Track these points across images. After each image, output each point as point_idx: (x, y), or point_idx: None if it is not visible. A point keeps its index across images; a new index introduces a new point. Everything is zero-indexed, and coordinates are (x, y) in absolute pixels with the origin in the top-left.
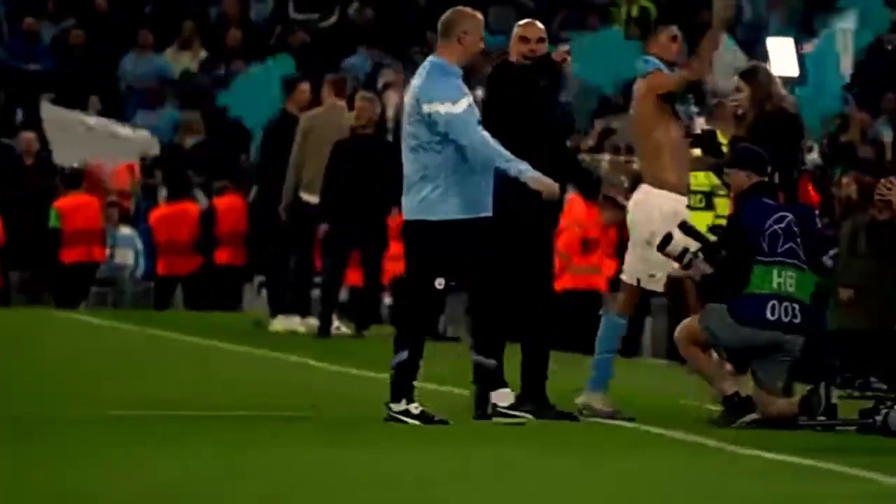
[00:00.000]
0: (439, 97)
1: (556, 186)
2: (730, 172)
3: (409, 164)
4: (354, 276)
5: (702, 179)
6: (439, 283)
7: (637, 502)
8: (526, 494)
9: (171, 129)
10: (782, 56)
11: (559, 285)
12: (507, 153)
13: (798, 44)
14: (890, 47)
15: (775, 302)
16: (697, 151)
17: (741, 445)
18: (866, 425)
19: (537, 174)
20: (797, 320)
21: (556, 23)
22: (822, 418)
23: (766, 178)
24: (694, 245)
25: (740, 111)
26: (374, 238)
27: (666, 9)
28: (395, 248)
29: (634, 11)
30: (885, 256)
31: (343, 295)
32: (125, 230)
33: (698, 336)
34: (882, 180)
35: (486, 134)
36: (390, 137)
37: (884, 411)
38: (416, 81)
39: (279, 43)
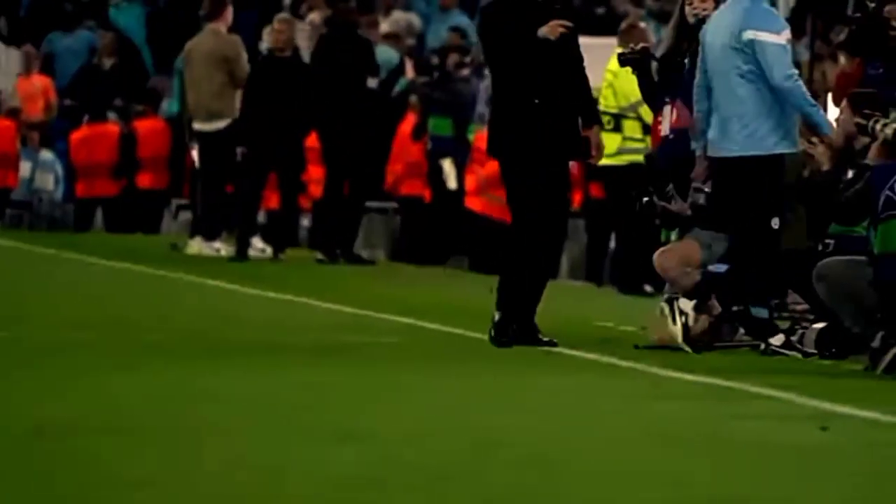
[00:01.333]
0: (765, 26)
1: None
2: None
3: (726, 96)
4: (272, 199)
5: (610, 101)
6: (775, 222)
7: (562, 424)
8: (438, 413)
9: (87, 51)
10: None
11: (473, 205)
12: (810, 97)
13: None
14: None
15: None
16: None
17: (658, 367)
18: (783, 345)
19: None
20: None
21: None
22: (747, 338)
23: None
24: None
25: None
26: (291, 160)
27: None
28: (315, 171)
29: None
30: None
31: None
32: (46, 154)
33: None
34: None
35: (794, 70)
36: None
37: (800, 332)
38: (734, 8)
39: None
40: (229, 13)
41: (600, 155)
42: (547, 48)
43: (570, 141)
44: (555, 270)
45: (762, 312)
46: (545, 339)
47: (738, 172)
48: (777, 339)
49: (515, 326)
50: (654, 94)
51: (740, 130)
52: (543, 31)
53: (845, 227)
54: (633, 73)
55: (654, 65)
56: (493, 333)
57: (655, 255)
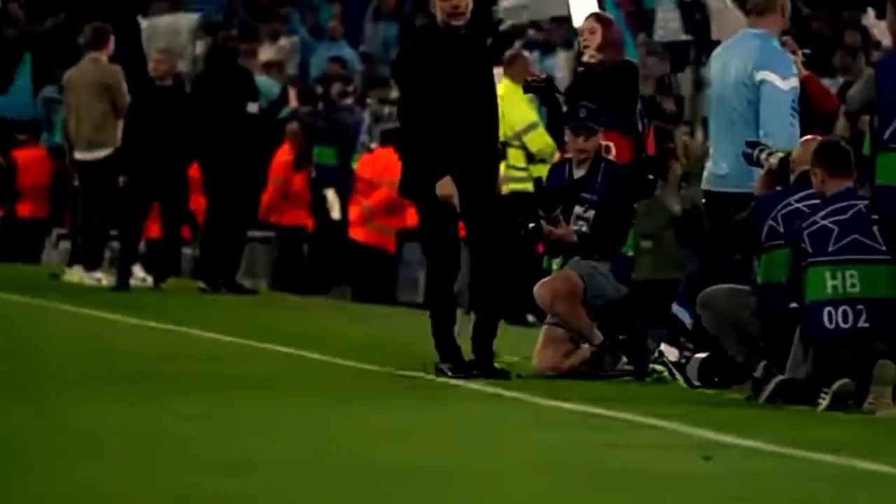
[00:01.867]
0: (775, 68)
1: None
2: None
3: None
4: (154, 229)
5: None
6: None
7: (446, 453)
8: (319, 444)
9: None
10: (583, 5)
11: (356, 234)
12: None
13: None
14: None
15: None
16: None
17: (539, 396)
18: (665, 375)
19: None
20: None
21: None
22: (629, 367)
23: None
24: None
25: (588, 56)
26: (173, 190)
27: None
28: (200, 200)
29: None
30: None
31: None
32: None
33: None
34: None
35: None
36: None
37: (682, 361)
38: (743, 48)
39: None
40: (111, 43)
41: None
42: (464, 89)
43: (485, 176)
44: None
45: (685, 314)
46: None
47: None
48: (671, 354)
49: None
50: (560, 122)
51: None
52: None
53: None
54: (534, 99)
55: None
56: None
57: (536, 287)
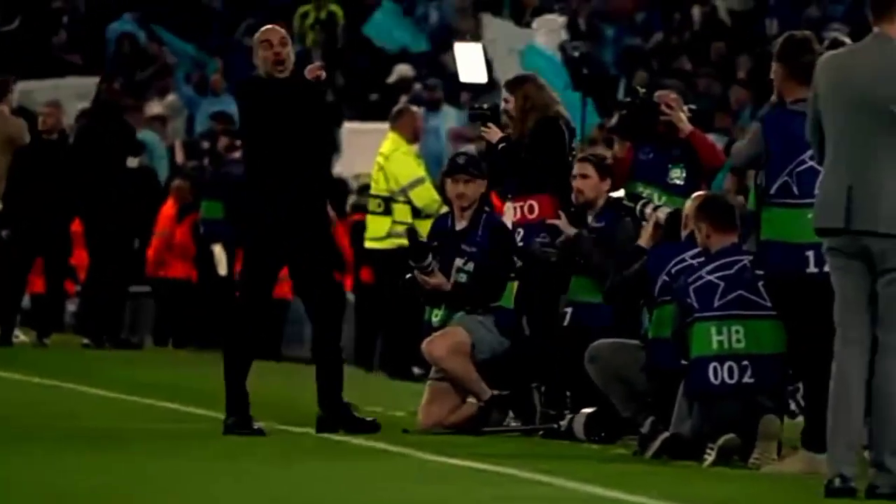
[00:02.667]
0: None
1: None
2: None
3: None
4: (37, 284)
5: (381, 184)
6: None
7: None
8: (203, 501)
9: None
10: (470, 62)
11: None
12: None
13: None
14: (577, 54)
15: None
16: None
17: (425, 451)
18: (551, 431)
19: None
20: None
21: (241, 30)
22: (516, 423)
23: None
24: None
25: (506, 121)
26: (57, 244)
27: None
28: (82, 255)
29: (323, 15)
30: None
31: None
32: None
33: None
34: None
35: None
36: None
37: (568, 416)
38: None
39: None
40: (13, 94)
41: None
42: (291, 124)
43: (309, 224)
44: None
45: None
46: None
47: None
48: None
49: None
50: (497, 155)
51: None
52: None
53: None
54: (482, 128)
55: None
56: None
57: (425, 344)
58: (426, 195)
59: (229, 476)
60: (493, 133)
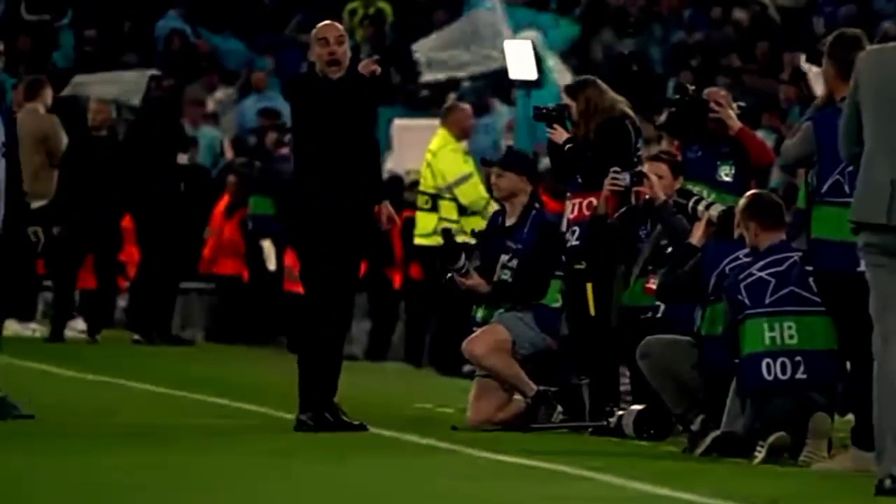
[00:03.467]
0: None
1: None
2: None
3: None
4: (87, 280)
5: (428, 181)
6: None
7: (368, 501)
8: (253, 496)
9: None
10: (520, 59)
11: (294, 286)
12: None
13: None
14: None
15: None
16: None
17: (475, 448)
18: (600, 427)
19: None
20: None
21: (291, 27)
22: (564, 418)
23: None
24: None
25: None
26: (107, 240)
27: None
28: (131, 252)
29: (371, 11)
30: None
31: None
32: None
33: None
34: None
35: None
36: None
37: (618, 413)
38: None
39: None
40: (47, 94)
41: (392, 224)
42: (342, 124)
43: (357, 213)
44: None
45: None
46: (355, 422)
47: None
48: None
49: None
50: (561, 157)
51: None
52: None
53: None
54: (547, 128)
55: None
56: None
57: (464, 344)
58: (472, 192)
59: (278, 472)
60: (560, 134)
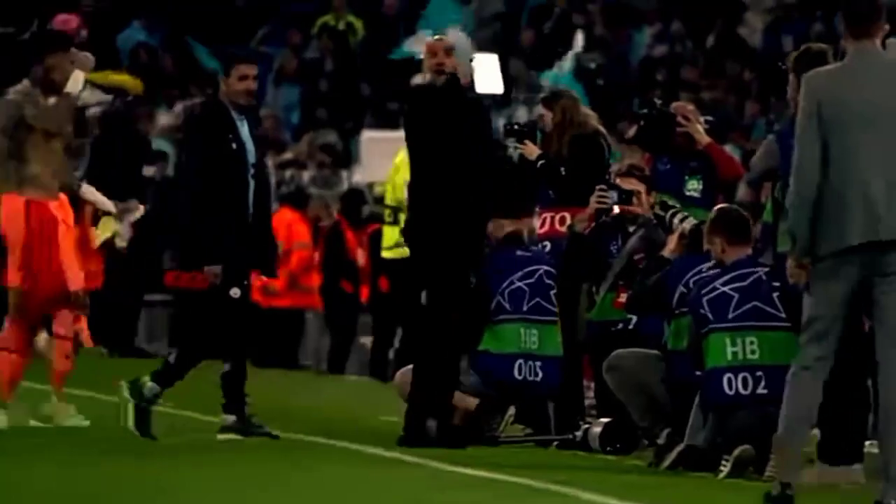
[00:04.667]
0: None
1: None
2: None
3: None
4: None
5: (391, 195)
6: None
7: None
8: None
9: None
10: (487, 73)
11: (282, 302)
12: None
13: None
14: (592, 65)
15: (521, 361)
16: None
17: (440, 461)
18: (566, 441)
19: None
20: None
21: (257, 38)
22: (529, 431)
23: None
24: None
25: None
26: None
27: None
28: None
29: (341, 26)
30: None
31: None
32: None
33: None
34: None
35: None
36: None
37: (584, 427)
38: None
39: None
40: None
41: None
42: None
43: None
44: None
45: None
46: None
47: None
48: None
49: None
50: (527, 171)
51: None
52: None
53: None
54: (518, 144)
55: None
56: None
57: (397, 375)
58: None
59: (256, 481)
60: (531, 150)
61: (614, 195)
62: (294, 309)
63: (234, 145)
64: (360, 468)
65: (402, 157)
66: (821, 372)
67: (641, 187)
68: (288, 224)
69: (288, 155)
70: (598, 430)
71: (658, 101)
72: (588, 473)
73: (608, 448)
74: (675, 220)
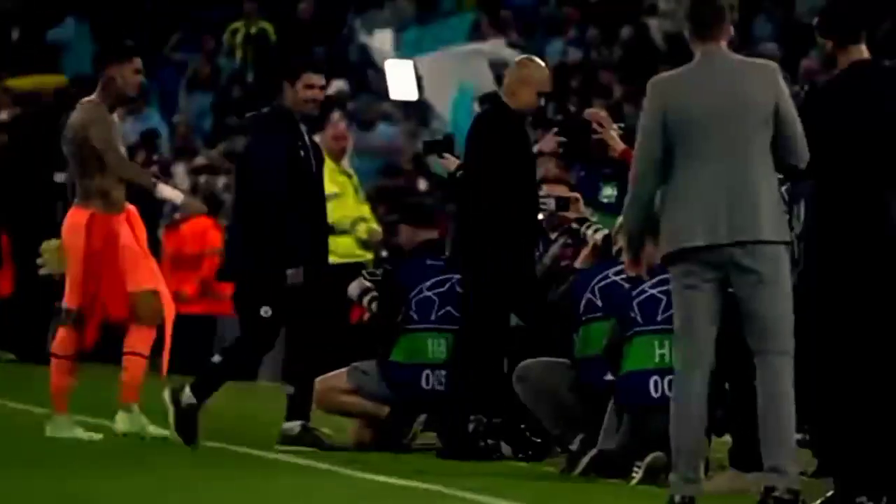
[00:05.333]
0: None
1: None
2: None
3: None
4: None
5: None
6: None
7: None
8: None
9: None
10: (401, 79)
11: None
12: None
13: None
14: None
15: (428, 371)
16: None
17: (355, 468)
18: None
19: None
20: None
21: (170, 44)
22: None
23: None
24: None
25: None
26: None
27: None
28: (7, 270)
29: (253, 31)
30: None
31: None
32: None
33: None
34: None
35: None
36: None
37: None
38: None
39: None
40: None
41: None
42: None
43: None
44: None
45: None
46: None
47: None
48: None
49: None
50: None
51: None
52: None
53: None
54: (439, 159)
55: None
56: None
57: (317, 383)
58: (336, 211)
59: (155, 491)
60: (451, 162)
61: (552, 202)
62: (206, 315)
63: (301, 153)
64: (273, 477)
65: None
66: (699, 373)
67: (577, 194)
68: (201, 230)
69: (201, 160)
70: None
71: (572, 109)
72: (501, 480)
73: (520, 455)
74: (589, 232)
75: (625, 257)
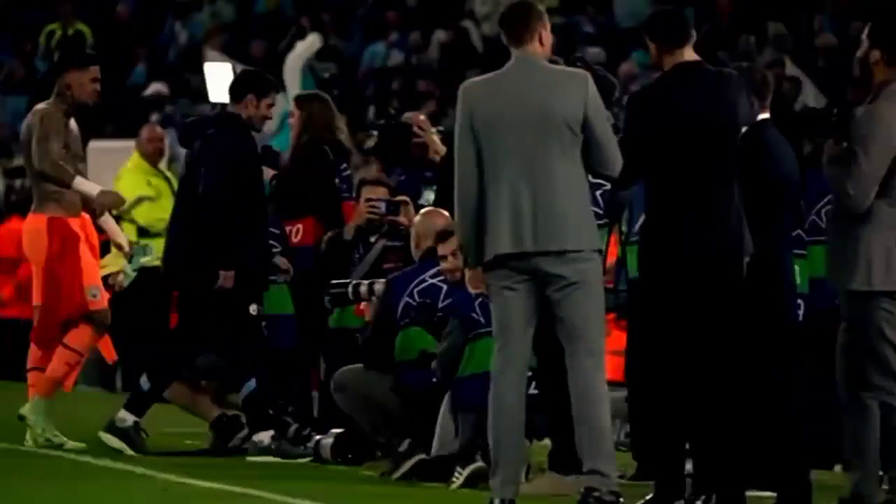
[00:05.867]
0: None
1: None
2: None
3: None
4: None
5: None
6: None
7: None
8: None
9: None
10: (220, 82)
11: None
12: None
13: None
14: (326, 75)
15: None
16: None
17: (172, 473)
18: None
19: None
20: None
21: None
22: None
23: None
24: None
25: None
26: None
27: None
28: None
29: (70, 33)
30: None
31: None
32: None
33: None
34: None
35: None
36: None
37: (316, 438)
38: None
39: None
40: None
41: None
42: None
43: None
44: None
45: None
46: None
47: None
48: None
49: None
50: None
51: None
52: None
53: None
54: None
55: None
56: None
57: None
58: (148, 213)
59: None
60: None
61: (383, 206)
62: (23, 320)
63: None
64: (89, 481)
65: (127, 165)
66: (515, 373)
67: (406, 197)
68: (18, 233)
69: (18, 162)
70: (329, 440)
71: (392, 111)
72: (321, 484)
73: (339, 459)
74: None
75: (467, 272)
